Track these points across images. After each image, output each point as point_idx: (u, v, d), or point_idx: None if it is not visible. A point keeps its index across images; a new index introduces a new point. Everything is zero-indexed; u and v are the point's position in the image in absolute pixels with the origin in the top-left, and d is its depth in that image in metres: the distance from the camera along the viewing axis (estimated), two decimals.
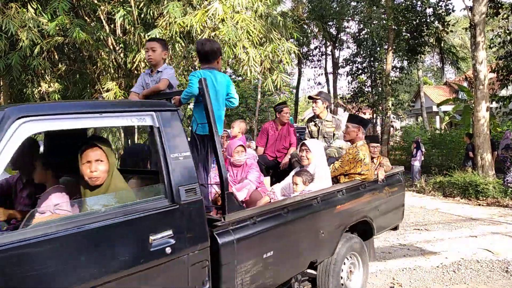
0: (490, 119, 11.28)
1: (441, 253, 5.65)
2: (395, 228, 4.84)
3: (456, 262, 5.25)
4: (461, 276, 4.78)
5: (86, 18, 11.09)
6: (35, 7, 9.56)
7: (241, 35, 8.19)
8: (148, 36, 9.11)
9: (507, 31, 13.36)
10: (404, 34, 16.20)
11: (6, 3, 9.36)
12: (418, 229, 7.12)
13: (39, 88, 11.44)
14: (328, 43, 24.42)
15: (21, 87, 12.42)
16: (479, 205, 9.33)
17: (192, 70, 18.47)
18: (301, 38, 18.30)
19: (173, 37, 8.91)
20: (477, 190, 9.78)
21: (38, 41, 9.43)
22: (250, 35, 8.32)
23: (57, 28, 9.39)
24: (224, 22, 8.13)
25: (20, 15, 9.09)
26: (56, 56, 11.61)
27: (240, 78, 33.16)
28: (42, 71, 11.04)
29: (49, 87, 11.13)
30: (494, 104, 14.45)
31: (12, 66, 9.81)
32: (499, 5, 12.69)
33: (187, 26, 8.25)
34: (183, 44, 10.93)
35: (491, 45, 13.86)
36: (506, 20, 14.25)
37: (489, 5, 11.86)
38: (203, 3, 9.31)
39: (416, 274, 4.89)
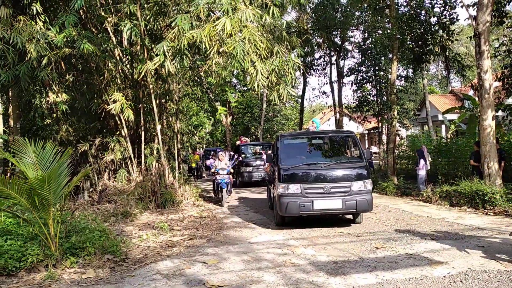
0: (496, 127, 11.24)
1: (448, 263, 5.61)
2: None
3: (463, 272, 5.21)
4: (468, 286, 4.74)
5: (94, 29, 11.27)
6: (43, 20, 9.73)
7: (249, 49, 8.28)
8: (156, 48, 9.20)
9: None
10: (408, 43, 16.23)
11: (15, 15, 9.53)
12: (425, 239, 7.08)
13: (47, 98, 11.58)
14: (333, 53, 24.50)
15: (29, 98, 12.58)
16: (487, 214, 9.26)
17: (198, 80, 18.65)
18: (305, 51, 18.41)
19: (181, 49, 8.99)
20: (484, 200, 9.71)
21: (46, 53, 9.58)
22: (258, 49, 8.41)
23: (65, 40, 9.54)
24: (232, 37, 8.22)
25: (28, 28, 9.25)
26: (64, 67, 11.78)
27: (245, 88, 33.34)
28: (50, 82, 11.19)
29: (57, 97, 11.26)
30: (500, 113, 14.39)
31: (20, 77, 9.95)
32: (504, 14, 12.72)
33: (196, 40, 8.34)
34: (190, 57, 11.03)
35: (496, 54, 13.85)
36: (510, 29, 14.28)
37: (493, 14, 11.88)
38: (210, 17, 9.42)
39: (422, 284, 4.87)
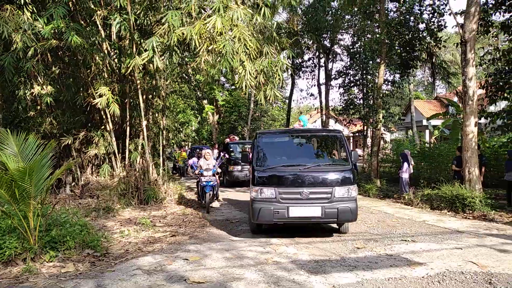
0: (478, 134, 11.47)
1: (427, 264, 5.71)
2: None
3: (441, 273, 5.31)
4: (445, 287, 4.84)
5: (82, 22, 11.14)
6: (31, 10, 9.56)
7: (238, 48, 8.28)
8: (146, 44, 9.14)
9: (497, 49, 13.64)
10: (396, 48, 16.45)
11: (2, 5, 9.36)
12: (405, 240, 7.19)
13: (32, 90, 11.39)
14: (322, 55, 24.66)
15: (13, 89, 12.36)
16: (466, 218, 9.44)
17: (186, 77, 18.58)
18: (295, 52, 18.46)
19: (171, 46, 8.95)
20: (464, 204, 9.90)
21: (33, 44, 9.43)
22: (247, 48, 8.42)
23: (53, 31, 9.41)
24: (222, 35, 8.22)
25: (15, 18, 9.09)
26: (50, 59, 11.61)
27: (233, 87, 33.30)
28: (36, 73, 11.02)
29: (41, 89, 11.09)
30: (483, 120, 14.67)
31: (4, 68, 9.78)
32: (490, 24, 12.99)
33: (186, 37, 8.32)
34: (179, 54, 10.99)
35: (481, 62, 14.12)
36: (496, 38, 14.56)
37: (480, 23, 12.12)
38: (201, 14, 9.40)
39: (401, 284, 4.95)
